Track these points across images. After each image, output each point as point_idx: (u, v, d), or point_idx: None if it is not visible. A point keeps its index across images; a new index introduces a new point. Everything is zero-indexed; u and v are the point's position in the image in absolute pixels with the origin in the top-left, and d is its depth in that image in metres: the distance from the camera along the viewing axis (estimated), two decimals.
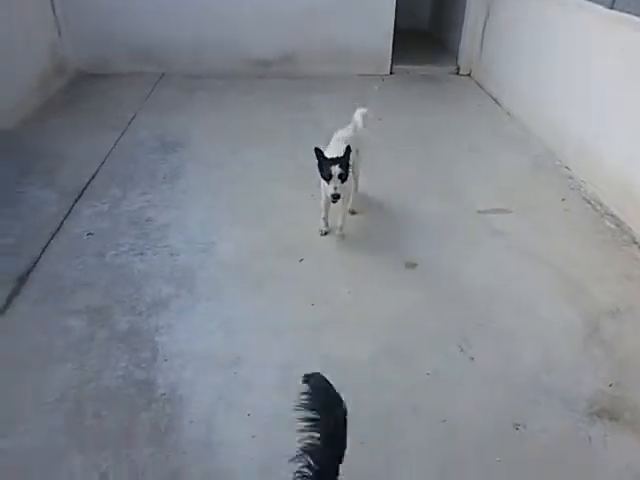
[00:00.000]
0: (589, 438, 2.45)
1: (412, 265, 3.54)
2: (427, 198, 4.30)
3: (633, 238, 3.80)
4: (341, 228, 3.74)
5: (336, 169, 3.30)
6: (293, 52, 6.99)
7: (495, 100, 6.31)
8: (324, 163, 3.37)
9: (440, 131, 5.54)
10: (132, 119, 5.55)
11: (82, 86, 6.42)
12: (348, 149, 3.36)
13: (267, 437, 2.40)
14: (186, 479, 2.22)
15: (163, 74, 6.79)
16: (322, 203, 3.71)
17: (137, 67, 6.77)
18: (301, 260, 3.51)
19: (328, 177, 3.34)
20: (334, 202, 3.42)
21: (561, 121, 4.90)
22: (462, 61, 7.21)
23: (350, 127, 3.91)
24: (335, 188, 3.33)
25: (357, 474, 2.26)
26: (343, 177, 3.34)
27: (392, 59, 7.10)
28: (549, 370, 2.79)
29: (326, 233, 3.78)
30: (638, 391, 2.68)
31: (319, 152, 3.39)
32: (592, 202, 4.25)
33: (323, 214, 3.75)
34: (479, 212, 4.10)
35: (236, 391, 2.62)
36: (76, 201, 4.11)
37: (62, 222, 3.85)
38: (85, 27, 6.53)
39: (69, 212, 3.97)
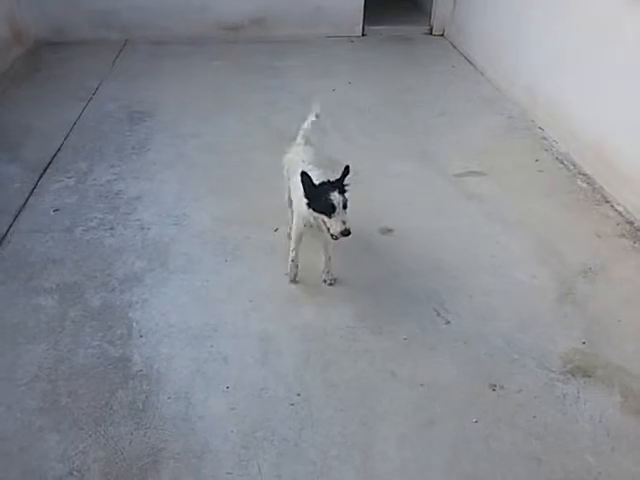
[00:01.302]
0: (564, 395, 2.51)
1: (387, 231, 3.52)
2: (401, 162, 4.26)
3: (605, 197, 3.84)
4: (328, 272, 3.09)
5: (338, 197, 2.53)
6: (263, 15, 6.77)
7: (469, 61, 6.22)
8: (317, 191, 2.57)
9: (413, 94, 5.46)
10: (97, 89, 5.35)
11: (43, 55, 6.16)
12: (347, 169, 2.65)
13: (246, 409, 2.40)
14: (166, 455, 2.22)
15: (127, 40, 6.52)
16: (293, 236, 2.98)
17: (99, 34, 6.49)
18: (276, 230, 3.46)
19: (330, 210, 2.53)
20: (335, 239, 2.65)
21: (534, 81, 4.86)
22: (435, 21, 7.06)
23: (304, 147, 3.09)
24: (344, 222, 2.54)
25: (337, 439, 2.30)
26: (347, 205, 2.59)
27: (364, 20, 6.94)
28: (524, 330, 2.83)
29: (295, 277, 3.09)
30: (611, 348, 2.74)
31: (307, 177, 2.58)
32: (565, 162, 4.26)
33: (292, 252, 3.01)
34: (454, 175, 4.09)
35: (214, 364, 2.61)
36: (41, 176, 3.98)
37: (28, 198, 3.73)
38: None
39: (34, 187, 3.85)
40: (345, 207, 2.56)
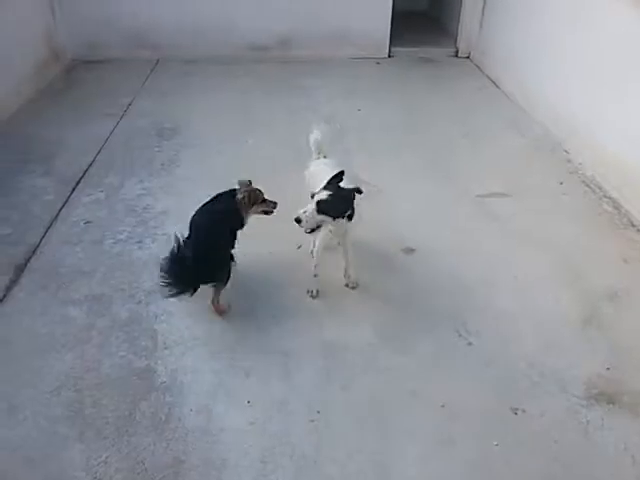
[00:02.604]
0: (587, 421, 2.46)
1: (410, 250, 3.53)
2: (425, 182, 4.28)
3: (631, 221, 3.79)
4: (349, 276, 3.18)
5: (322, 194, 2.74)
6: (289, 36, 6.91)
7: (494, 83, 6.25)
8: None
9: (439, 115, 5.49)
10: (129, 106, 5.51)
11: (78, 73, 6.38)
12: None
13: (266, 424, 2.42)
14: (187, 466, 2.24)
15: (159, 60, 6.72)
16: (315, 250, 3.09)
17: (133, 53, 6.71)
18: (299, 247, 3.50)
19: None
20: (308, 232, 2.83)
21: (560, 104, 4.86)
22: (461, 43, 7.13)
23: (324, 160, 3.37)
24: (305, 212, 2.73)
25: (356, 457, 2.30)
26: (324, 208, 2.72)
27: (390, 42, 7.03)
28: (547, 354, 2.80)
29: (317, 293, 3.13)
30: (636, 374, 2.69)
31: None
32: (591, 185, 4.23)
33: (315, 264, 3.09)
34: (477, 196, 4.09)
35: (235, 378, 2.63)
36: (74, 189, 4.10)
37: (60, 210, 3.84)
38: (80, 13, 6.46)
39: (66, 200, 3.96)
40: (319, 207, 2.72)
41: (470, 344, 2.85)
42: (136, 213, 3.83)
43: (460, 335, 2.90)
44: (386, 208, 3.96)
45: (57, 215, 3.79)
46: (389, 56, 7.10)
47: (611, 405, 2.54)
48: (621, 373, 2.70)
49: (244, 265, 3.35)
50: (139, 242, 3.53)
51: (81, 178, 4.24)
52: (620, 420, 2.48)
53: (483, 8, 6.62)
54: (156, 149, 4.71)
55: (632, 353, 2.81)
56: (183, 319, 2.96)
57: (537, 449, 2.35)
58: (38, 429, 2.40)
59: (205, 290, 3.17)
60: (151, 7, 6.57)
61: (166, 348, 2.78)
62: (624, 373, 2.70)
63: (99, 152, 4.62)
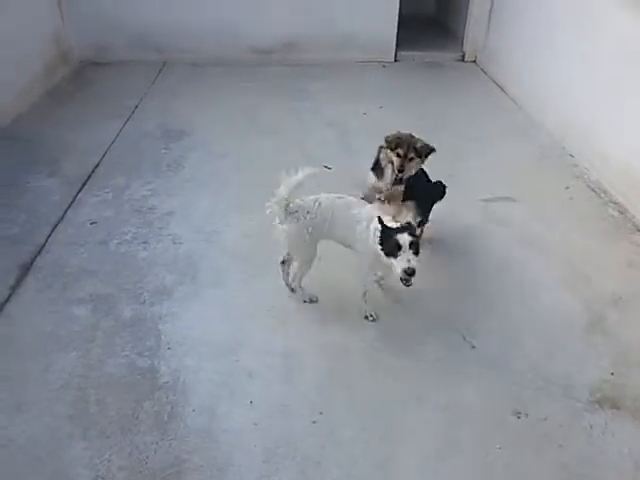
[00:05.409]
0: (590, 426, 2.46)
1: None
2: None
3: (637, 226, 3.78)
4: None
5: (406, 237, 2.52)
6: (295, 39, 6.93)
7: (501, 88, 6.25)
8: (387, 233, 2.58)
9: (445, 120, 5.49)
10: (135, 108, 5.55)
11: (86, 74, 6.42)
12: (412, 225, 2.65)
13: (269, 425, 2.42)
14: (189, 466, 2.25)
15: (165, 62, 6.76)
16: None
17: (140, 55, 6.75)
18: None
19: (396, 250, 2.52)
20: (407, 285, 2.59)
21: (567, 109, 4.85)
22: (467, 47, 7.13)
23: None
24: (409, 261, 2.50)
25: (358, 460, 2.30)
26: (417, 249, 2.56)
27: (397, 45, 7.04)
28: (551, 358, 2.80)
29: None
30: None
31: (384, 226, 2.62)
32: (596, 190, 4.22)
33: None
34: (483, 201, 4.09)
35: (238, 379, 2.64)
36: (80, 190, 4.12)
37: (66, 211, 3.87)
38: (88, 16, 6.50)
39: (73, 201, 3.99)
40: (413, 249, 2.52)
41: (474, 347, 2.85)
42: (141, 214, 3.85)
43: (464, 338, 2.90)
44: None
45: (63, 215, 3.81)
46: (395, 60, 7.11)
47: (615, 410, 2.53)
48: (625, 378, 2.69)
49: (248, 267, 3.37)
50: (144, 242, 3.55)
51: (88, 179, 4.26)
52: (624, 425, 2.47)
53: (490, 12, 6.62)
54: (162, 151, 4.73)
55: (636, 358, 2.80)
56: (186, 320, 2.97)
57: (540, 453, 2.35)
58: (43, 427, 2.41)
59: (206, 293, 3.19)
60: (158, 10, 6.60)
61: (169, 348, 2.79)
62: (628, 378, 2.69)
63: (106, 153, 4.65)
